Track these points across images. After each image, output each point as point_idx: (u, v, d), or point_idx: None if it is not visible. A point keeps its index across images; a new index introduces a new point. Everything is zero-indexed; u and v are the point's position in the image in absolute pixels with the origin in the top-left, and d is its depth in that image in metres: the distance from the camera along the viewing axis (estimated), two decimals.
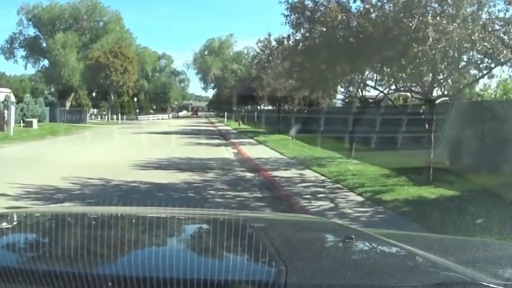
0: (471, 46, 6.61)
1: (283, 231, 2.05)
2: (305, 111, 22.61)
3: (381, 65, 7.19)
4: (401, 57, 6.45)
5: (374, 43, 6.47)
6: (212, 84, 67.81)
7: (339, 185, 8.69)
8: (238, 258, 1.51)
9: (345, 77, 8.73)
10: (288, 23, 7.91)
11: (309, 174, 10.14)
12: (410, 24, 5.98)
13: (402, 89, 8.31)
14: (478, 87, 12.29)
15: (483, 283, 1.22)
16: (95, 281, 1.14)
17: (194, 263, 1.40)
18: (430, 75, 7.75)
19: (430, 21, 5.96)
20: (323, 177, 9.59)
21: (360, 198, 7.47)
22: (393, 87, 10.18)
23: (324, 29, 7.28)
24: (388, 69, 7.23)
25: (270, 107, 34.38)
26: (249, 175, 10.32)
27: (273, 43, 26.98)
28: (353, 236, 1.67)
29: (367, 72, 8.96)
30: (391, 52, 6.45)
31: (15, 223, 1.92)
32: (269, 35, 27.61)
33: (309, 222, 2.53)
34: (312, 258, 1.53)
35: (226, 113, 52.40)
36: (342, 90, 13.76)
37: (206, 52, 68.40)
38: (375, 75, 9.00)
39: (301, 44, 8.17)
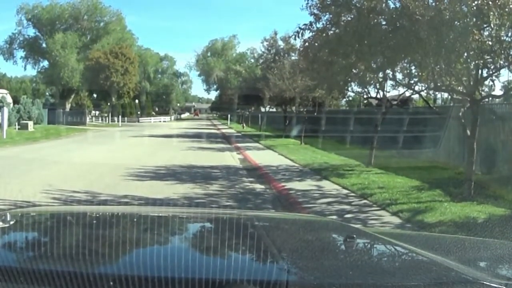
0: None
1: (285, 230, 2.03)
2: (315, 113, 21.30)
3: (423, 58, 5.86)
4: (453, 49, 5.15)
5: (420, 30, 5.16)
6: (215, 86, 66.59)
7: (366, 201, 7.38)
8: (239, 257, 1.48)
9: (379, 72, 7.43)
10: (311, 7, 6.60)
11: (328, 186, 8.82)
12: (473, 4, 4.69)
13: (443, 88, 6.99)
14: None
15: (485, 283, 1.19)
16: (97, 280, 1.12)
17: (195, 262, 1.40)
18: (479, 71, 6.42)
19: None
20: (345, 191, 8.27)
21: (397, 220, 6.17)
22: (419, 85, 8.96)
23: (355, 13, 5.96)
24: (433, 64, 5.91)
25: (274, 109, 33.33)
26: (259, 187, 9.00)
27: (279, 42, 25.99)
28: (354, 235, 1.66)
29: (397, 68, 7.63)
30: (442, 42, 5.16)
31: (15, 222, 1.85)
32: (275, 33, 26.51)
33: (310, 221, 2.52)
34: (313, 257, 1.52)
35: (229, 115, 51.23)
36: (360, 90, 12.43)
37: (209, 54, 67.21)
38: (407, 71, 7.66)
39: (324, 34, 6.85)
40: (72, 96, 49.34)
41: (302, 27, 7.30)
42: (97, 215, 2.15)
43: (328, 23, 6.94)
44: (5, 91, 36.89)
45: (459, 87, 7.03)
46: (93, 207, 3.94)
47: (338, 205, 7.19)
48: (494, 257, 1.66)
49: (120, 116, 48.67)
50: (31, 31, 49.24)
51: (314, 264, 1.41)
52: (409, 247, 1.62)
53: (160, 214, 2.30)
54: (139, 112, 60.68)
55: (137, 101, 59.68)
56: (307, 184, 9.01)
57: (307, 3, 7.10)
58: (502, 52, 5.81)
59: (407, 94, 12.64)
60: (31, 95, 52.26)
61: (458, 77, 6.57)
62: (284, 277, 1.22)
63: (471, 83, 6.68)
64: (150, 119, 60.03)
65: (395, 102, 12.29)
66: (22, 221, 1.88)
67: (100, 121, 51.12)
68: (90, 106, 53.76)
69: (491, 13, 4.82)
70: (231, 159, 14.62)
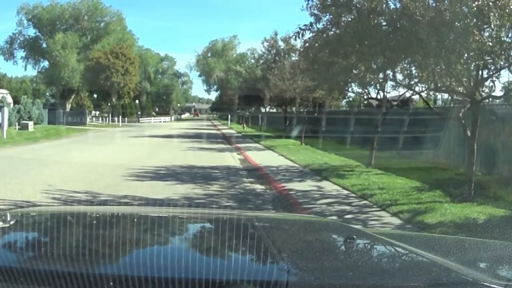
0: None
1: (285, 230, 2.03)
2: (315, 114, 21.30)
3: (424, 58, 5.87)
4: (454, 49, 5.15)
5: (420, 31, 5.17)
6: (215, 86, 66.60)
7: (366, 202, 7.38)
8: (240, 257, 1.48)
9: (379, 73, 7.44)
10: (311, 7, 6.62)
11: (328, 187, 8.82)
12: (473, 4, 4.69)
13: (444, 88, 7.00)
14: None
15: (484, 283, 1.19)
16: (97, 280, 1.12)
17: (196, 262, 1.40)
18: (480, 72, 6.42)
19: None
20: (345, 191, 8.27)
21: (397, 220, 6.17)
22: (419, 85, 8.97)
23: (355, 14, 5.98)
24: (433, 64, 5.91)
25: (274, 110, 33.33)
26: (259, 188, 9.00)
27: (280, 42, 25.98)
28: (354, 236, 1.66)
29: (398, 68, 7.63)
30: (442, 42, 5.17)
31: (15, 222, 1.85)
32: (276, 34, 26.50)
33: (311, 221, 2.52)
34: (313, 258, 1.51)
35: (229, 116, 51.23)
36: (360, 90, 12.44)
37: (209, 54, 67.19)
38: (407, 72, 7.66)
39: (324, 34, 6.86)
40: (73, 97, 49.30)
41: (303, 27, 7.32)
42: (97, 216, 2.15)
43: (328, 23, 6.96)
44: (5, 91, 36.95)
45: (460, 88, 7.03)
46: (93, 207, 3.96)
47: (338, 205, 7.19)
48: (494, 258, 1.66)
49: (120, 117, 48.66)
50: (31, 31, 49.20)
51: (314, 264, 1.41)
52: (409, 248, 1.62)
53: (160, 215, 2.30)
54: (139, 113, 60.67)
55: (137, 101, 59.67)
56: (307, 185, 9.01)
57: (308, 4, 7.13)
58: (503, 53, 5.82)
59: (408, 94, 12.65)
60: (31, 95, 52.25)
61: (459, 78, 6.58)
62: (284, 278, 1.22)
63: (472, 84, 6.68)
64: (150, 120, 60.06)
65: (395, 103, 12.30)
66: (22, 221, 1.88)
67: (100, 122, 51.10)
68: (91, 106, 53.71)
69: (492, 14, 4.83)
70: (231, 159, 14.62)
